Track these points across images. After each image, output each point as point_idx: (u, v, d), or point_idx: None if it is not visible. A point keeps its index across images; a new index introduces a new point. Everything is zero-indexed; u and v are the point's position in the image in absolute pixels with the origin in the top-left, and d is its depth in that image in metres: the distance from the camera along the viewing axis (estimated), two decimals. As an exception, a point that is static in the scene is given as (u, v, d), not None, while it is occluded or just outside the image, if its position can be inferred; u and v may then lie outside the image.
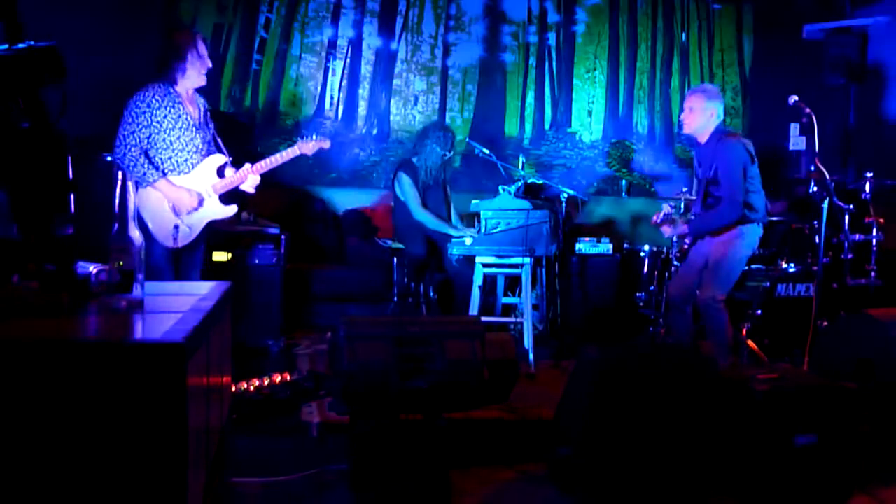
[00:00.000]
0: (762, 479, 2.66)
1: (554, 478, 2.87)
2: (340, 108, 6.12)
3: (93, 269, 1.63)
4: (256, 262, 4.59)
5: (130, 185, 1.61)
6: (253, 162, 3.79)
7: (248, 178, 3.76)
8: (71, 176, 1.55)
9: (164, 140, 3.55)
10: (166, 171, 3.58)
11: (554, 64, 6.50)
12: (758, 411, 2.67)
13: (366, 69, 6.16)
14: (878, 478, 2.91)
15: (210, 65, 3.68)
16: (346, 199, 6.04)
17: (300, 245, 5.45)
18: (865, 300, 4.45)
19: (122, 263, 1.59)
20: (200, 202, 3.64)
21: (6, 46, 1.48)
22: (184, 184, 3.61)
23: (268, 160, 3.79)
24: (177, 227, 3.59)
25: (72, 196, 1.55)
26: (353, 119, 6.14)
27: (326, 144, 3.99)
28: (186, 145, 3.61)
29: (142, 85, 3.60)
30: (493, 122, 6.38)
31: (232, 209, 3.75)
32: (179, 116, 3.57)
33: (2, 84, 1.46)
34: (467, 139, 5.16)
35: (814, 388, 2.79)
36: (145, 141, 3.52)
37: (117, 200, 1.60)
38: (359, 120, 6.14)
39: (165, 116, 3.53)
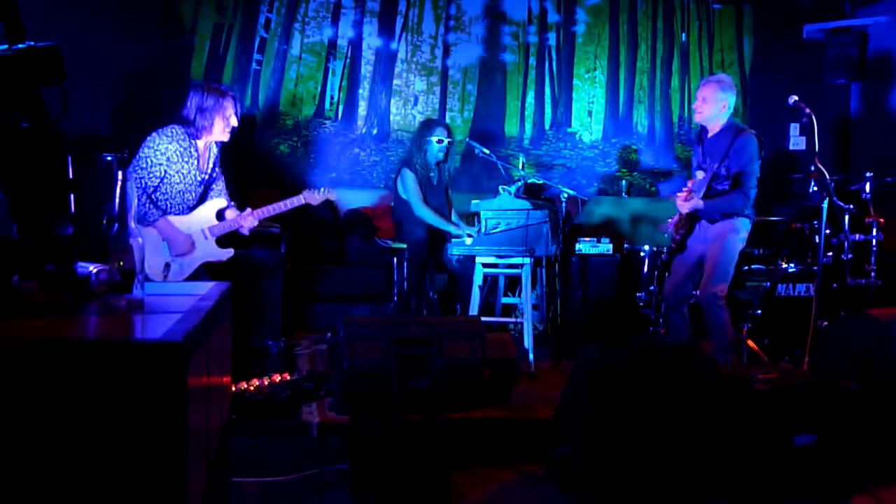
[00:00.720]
0: (762, 478, 2.66)
1: (554, 478, 2.87)
2: (340, 108, 6.12)
3: (93, 269, 1.63)
4: (256, 262, 4.59)
5: (131, 184, 1.61)
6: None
7: (247, 222, 3.76)
8: (71, 176, 1.55)
9: (166, 189, 3.59)
10: (164, 210, 3.61)
11: (554, 64, 6.50)
12: (758, 411, 2.67)
13: (366, 69, 6.16)
14: (878, 478, 2.91)
15: (236, 124, 3.67)
16: (346, 199, 6.04)
17: (300, 245, 5.45)
18: (865, 300, 4.45)
19: (122, 263, 1.59)
20: (192, 247, 3.66)
21: (6, 46, 1.48)
22: (181, 224, 3.63)
23: (269, 207, 3.81)
24: (167, 264, 3.62)
25: (72, 196, 1.55)
26: (353, 119, 6.14)
27: (333, 196, 4.02)
28: (185, 193, 3.66)
29: (159, 116, 3.62)
30: (493, 122, 6.38)
31: (228, 252, 3.77)
32: (190, 171, 3.61)
33: (2, 84, 1.46)
34: (467, 139, 5.16)
35: (814, 388, 2.79)
36: (151, 188, 3.55)
37: (117, 200, 1.60)
38: (359, 120, 6.14)
39: (178, 171, 3.57)
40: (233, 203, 3.81)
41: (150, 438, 1.25)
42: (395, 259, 4.84)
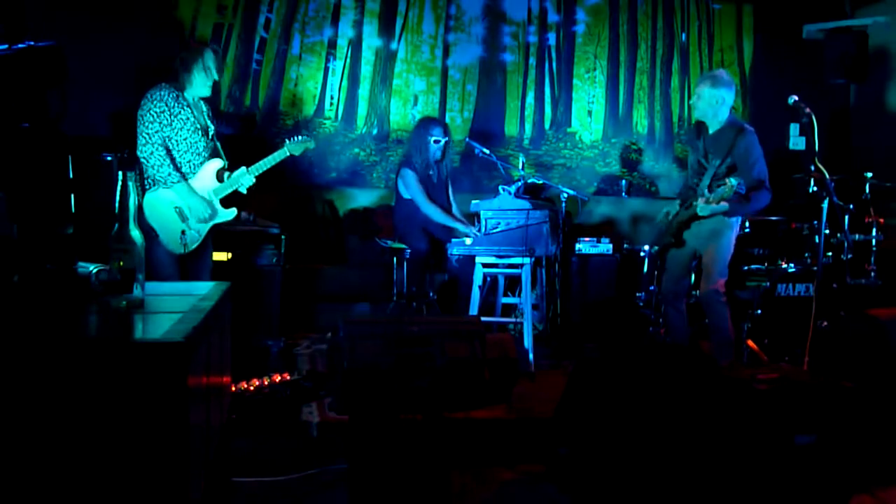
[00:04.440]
0: (762, 478, 2.66)
1: (553, 477, 2.87)
2: (340, 108, 6.12)
3: (93, 269, 1.63)
4: (256, 262, 4.59)
5: (131, 185, 1.61)
6: (248, 165, 3.88)
7: (245, 180, 3.84)
8: (71, 176, 1.55)
9: (174, 140, 3.63)
10: (183, 172, 3.66)
11: (554, 64, 6.50)
12: (758, 411, 2.67)
13: (366, 69, 6.16)
14: (878, 478, 2.91)
15: (217, 77, 3.80)
16: (346, 199, 6.04)
17: (300, 245, 5.44)
18: (865, 300, 4.45)
19: (122, 263, 1.59)
20: (212, 214, 3.72)
21: (6, 46, 1.48)
22: (197, 187, 3.68)
23: (260, 163, 3.91)
24: (184, 232, 3.65)
25: (72, 196, 1.55)
26: (353, 119, 6.13)
27: (311, 145, 4.13)
28: (192, 147, 3.69)
29: (151, 84, 3.70)
30: (493, 122, 6.38)
31: (232, 212, 3.85)
32: (188, 118, 3.67)
33: (2, 84, 1.46)
34: (467, 139, 5.16)
35: (814, 387, 2.79)
36: (166, 139, 3.61)
37: (117, 200, 1.60)
38: (359, 120, 6.14)
39: (177, 116, 3.64)
40: (227, 163, 3.89)
41: (151, 438, 1.25)
42: (395, 259, 4.83)
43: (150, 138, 3.57)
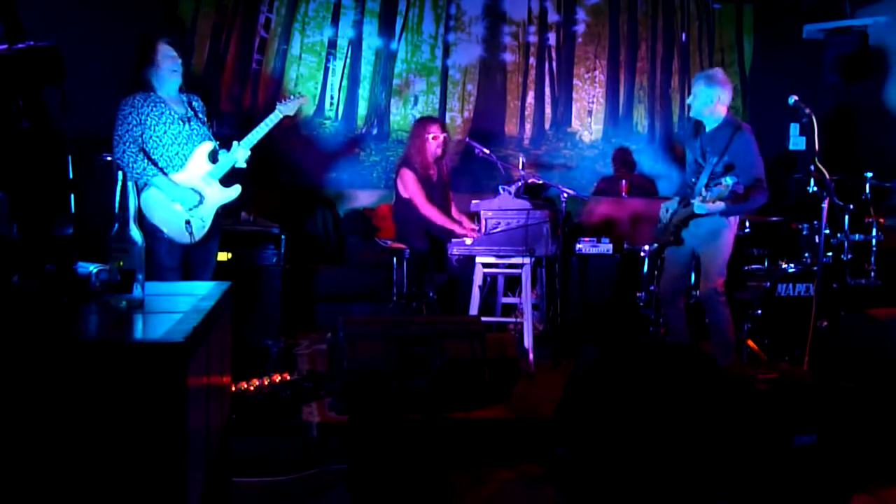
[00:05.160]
0: (762, 479, 2.66)
1: (553, 478, 2.87)
2: (340, 108, 6.12)
3: (93, 269, 1.63)
4: (256, 262, 4.60)
5: (131, 185, 1.61)
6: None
7: (239, 154, 3.79)
8: (71, 176, 1.55)
9: (152, 137, 3.64)
10: (161, 168, 3.63)
11: (554, 64, 6.50)
12: (758, 411, 2.67)
13: (366, 69, 6.16)
14: (878, 478, 2.91)
15: (179, 59, 3.75)
16: (346, 199, 6.04)
17: (300, 245, 5.44)
18: (865, 300, 4.45)
19: (122, 263, 1.59)
20: (200, 200, 3.69)
21: (6, 46, 1.48)
22: (181, 181, 3.65)
23: (254, 133, 3.84)
24: (188, 221, 3.64)
25: (72, 196, 1.55)
26: (353, 119, 6.14)
27: (305, 101, 4.08)
28: (175, 139, 3.68)
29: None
30: (493, 122, 6.38)
31: (235, 189, 3.82)
32: (163, 113, 3.67)
33: (2, 84, 1.46)
34: (467, 139, 5.16)
35: (814, 388, 2.79)
36: (140, 139, 3.60)
37: (117, 200, 1.60)
38: (359, 120, 6.14)
39: (149, 113, 3.64)
40: (218, 143, 3.85)
41: (151, 438, 1.25)
42: (394, 259, 4.83)
43: (120, 139, 3.59)
